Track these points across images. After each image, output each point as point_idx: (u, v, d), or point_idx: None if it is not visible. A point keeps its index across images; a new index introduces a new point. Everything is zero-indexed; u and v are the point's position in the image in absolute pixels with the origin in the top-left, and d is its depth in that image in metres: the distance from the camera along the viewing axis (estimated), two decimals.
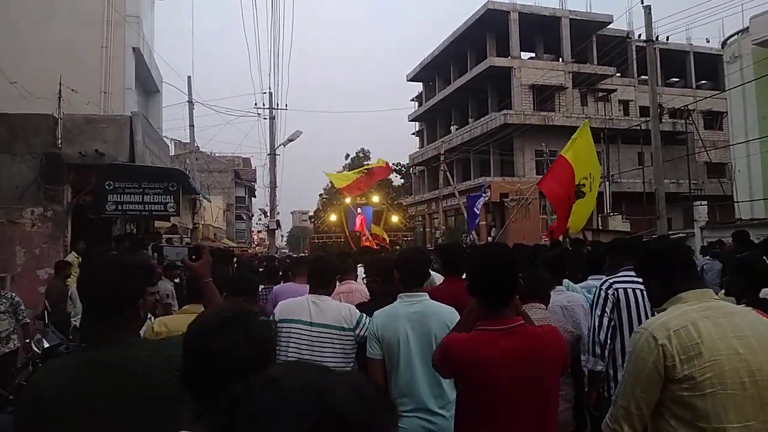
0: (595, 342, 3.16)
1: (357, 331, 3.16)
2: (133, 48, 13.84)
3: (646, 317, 3.12)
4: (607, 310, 3.20)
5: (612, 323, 3.20)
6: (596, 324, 3.19)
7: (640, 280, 2.78)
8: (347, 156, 55.36)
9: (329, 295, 3.37)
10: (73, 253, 8.82)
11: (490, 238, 26.72)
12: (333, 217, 22.22)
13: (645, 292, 2.84)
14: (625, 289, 3.23)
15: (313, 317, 3.17)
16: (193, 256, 2.33)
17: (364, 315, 3.21)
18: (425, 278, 3.11)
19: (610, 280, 3.33)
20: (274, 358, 1.39)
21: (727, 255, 5.99)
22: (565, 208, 7.95)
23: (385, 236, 21.84)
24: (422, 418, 2.74)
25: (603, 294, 3.26)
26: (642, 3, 14.66)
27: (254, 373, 1.07)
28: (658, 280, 2.12)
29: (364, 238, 21.16)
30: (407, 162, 47.25)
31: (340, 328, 3.15)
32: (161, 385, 1.52)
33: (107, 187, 9.80)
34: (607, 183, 27.12)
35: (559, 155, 8.47)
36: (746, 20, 19.71)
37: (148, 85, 16.66)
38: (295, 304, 3.28)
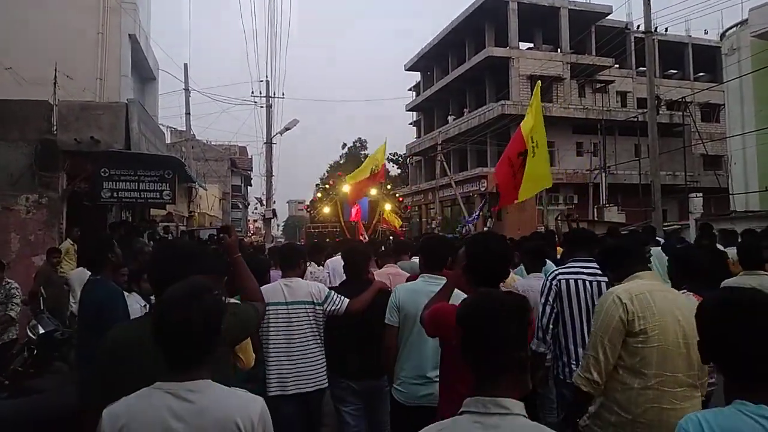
0: (538, 327, 3.45)
1: (325, 305, 3.62)
2: (129, 34, 13.75)
3: (587, 306, 3.46)
4: (550, 299, 3.51)
5: (555, 311, 3.52)
6: (540, 311, 3.49)
7: (585, 270, 3.54)
8: (344, 145, 55.38)
9: (300, 276, 3.83)
10: (69, 240, 8.80)
11: (486, 229, 26.76)
12: (327, 209, 22.24)
13: (587, 283, 3.51)
14: (567, 280, 3.55)
15: (288, 297, 3.60)
16: (222, 234, 2.59)
17: (333, 291, 3.70)
18: (444, 263, 3.40)
19: (557, 272, 3.65)
20: (220, 327, 1.66)
21: (671, 248, 6.31)
22: (507, 174, 7.91)
23: (397, 222, 21.83)
24: (421, 384, 3.11)
25: (548, 284, 3.57)
26: None
27: (207, 340, 1.61)
28: (618, 269, 2.78)
29: (361, 229, 21.17)
30: (404, 152, 47.18)
31: (311, 303, 3.61)
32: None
33: (103, 174, 9.76)
34: (603, 174, 27.17)
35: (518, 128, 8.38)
36: (745, 12, 19.71)
37: (144, 72, 16.56)
38: (270, 289, 3.61)
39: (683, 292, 2.91)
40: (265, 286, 3.55)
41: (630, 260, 2.76)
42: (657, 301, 2.46)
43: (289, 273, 3.78)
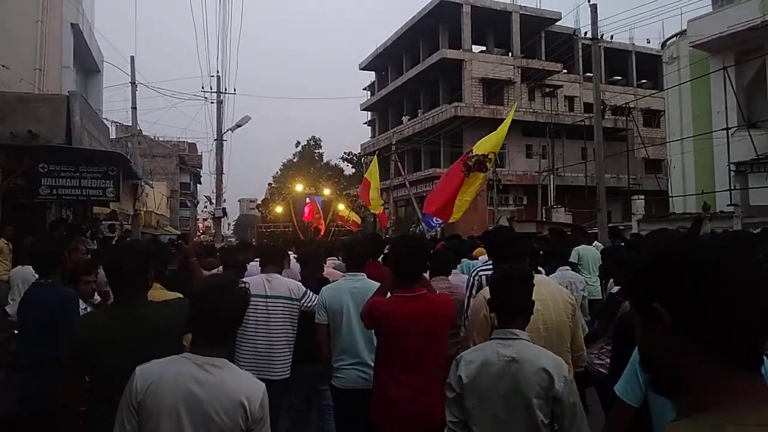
0: (464, 317, 3.73)
1: (302, 301, 3.96)
2: (71, 24, 13.11)
3: None
4: (474, 291, 3.78)
5: None
6: (465, 303, 3.78)
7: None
8: (297, 143, 54.75)
9: (279, 272, 4.15)
10: (2, 239, 8.34)
11: (438, 229, 27.04)
12: (279, 209, 22.05)
13: None
14: (487, 276, 3.84)
15: (268, 291, 3.91)
16: (180, 240, 3.17)
17: (308, 290, 4.02)
18: (365, 262, 3.95)
19: (478, 268, 4.01)
20: (243, 316, 2.09)
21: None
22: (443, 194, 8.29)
23: (356, 218, 21.82)
24: (359, 369, 3.53)
25: (470, 279, 3.91)
26: (589, 2, 15.07)
27: (232, 324, 2.04)
28: (499, 261, 3.26)
29: (314, 225, 21.01)
30: (359, 151, 47.14)
31: (289, 298, 3.93)
32: (166, 328, 2.35)
33: (41, 170, 9.31)
34: (551, 176, 27.94)
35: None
36: (684, 23, 20.65)
37: (87, 64, 15.87)
38: (253, 282, 3.74)
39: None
40: (247, 279, 3.86)
41: (507, 254, 3.19)
42: None
43: (270, 269, 4.09)
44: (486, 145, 8.57)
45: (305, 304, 3.95)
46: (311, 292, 4.00)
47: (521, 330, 2.32)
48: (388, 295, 3.19)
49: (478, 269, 3.98)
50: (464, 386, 2.28)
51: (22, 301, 3.52)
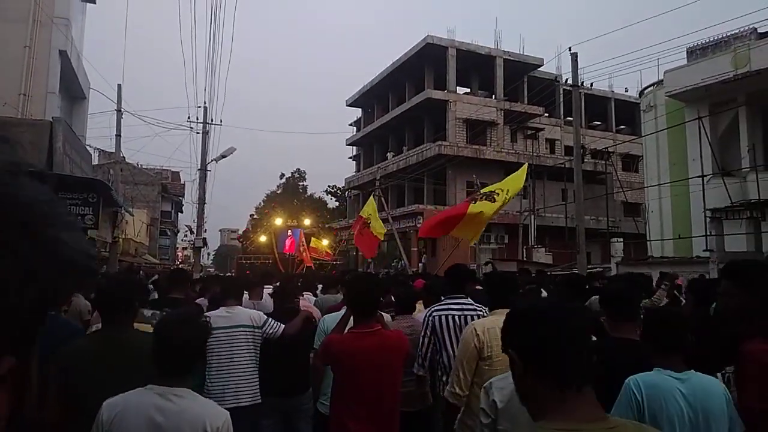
0: (419, 354, 4.00)
1: (264, 328, 4.18)
2: (60, 50, 13.16)
3: (456, 337, 3.93)
4: (428, 332, 4.02)
5: (432, 342, 4.03)
6: (420, 342, 4.02)
7: (455, 306, 4.10)
8: (282, 176, 54.85)
9: (240, 304, 4.42)
10: None
11: (420, 265, 27.05)
12: (263, 238, 21.90)
13: (456, 317, 4.01)
14: (440, 317, 4.07)
15: (230, 321, 4.15)
16: (156, 277, 3.27)
17: (270, 318, 4.28)
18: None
19: (432, 309, 4.17)
20: (205, 347, 2.29)
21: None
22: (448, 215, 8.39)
23: (326, 249, 21.77)
24: None
25: (425, 320, 4.08)
26: (570, 50, 15.59)
27: (194, 355, 2.13)
28: (492, 300, 3.57)
29: (297, 257, 20.87)
30: (343, 185, 47.31)
31: (250, 326, 4.17)
32: (149, 355, 2.30)
33: None
34: (532, 216, 28.27)
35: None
36: (662, 73, 21.38)
37: (73, 91, 15.87)
38: (216, 315, 4.15)
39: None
40: (210, 313, 4.20)
41: (501, 296, 3.47)
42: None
43: (231, 302, 4.33)
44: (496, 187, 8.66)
45: (267, 331, 4.18)
46: (273, 320, 4.24)
47: None
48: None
49: (432, 309, 4.15)
50: (498, 411, 2.35)
51: None
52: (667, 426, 2.19)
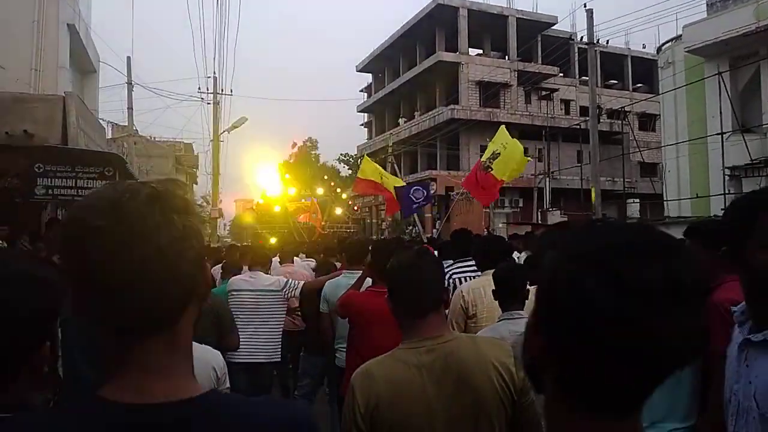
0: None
1: (284, 291, 4.63)
2: (68, 24, 13.09)
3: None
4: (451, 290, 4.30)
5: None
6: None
7: (459, 271, 4.54)
8: (294, 145, 54.73)
9: (265, 271, 4.85)
10: None
11: (435, 230, 27.10)
12: (277, 208, 22.11)
13: (459, 280, 4.39)
14: (459, 277, 4.45)
15: (254, 285, 4.60)
16: None
17: (290, 280, 4.75)
18: (362, 259, 4.39)
19: (451, 270, 4.46)
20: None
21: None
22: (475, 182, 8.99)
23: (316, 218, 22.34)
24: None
25: (446, 281, 4.42)
26: (585, 6, 15.15)
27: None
28: (479, 262, 3.99)
29: (313, 227, 21.09)
30: (355, 152, 47.15)
31: (271, 290, 4.61)
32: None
33: (37, 170, 9.27)
34: (547, 179, 28.02)
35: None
36: (680, 28, 20.73)
37: (83, 64, 15.84)
38: (239, 279, 4.74)
39: None
40: (236, 277, 4.82)
41: (488, 258, 3.77)
42: (487, 293, 3.32)
43: (256, 267, 4.79)
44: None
45: (288, 292, 4.64)
46: (292, 281, 4.72)
47: (521, 311, 2.87)
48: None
49: (451, 272, 4.46)
50: None
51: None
52: None
